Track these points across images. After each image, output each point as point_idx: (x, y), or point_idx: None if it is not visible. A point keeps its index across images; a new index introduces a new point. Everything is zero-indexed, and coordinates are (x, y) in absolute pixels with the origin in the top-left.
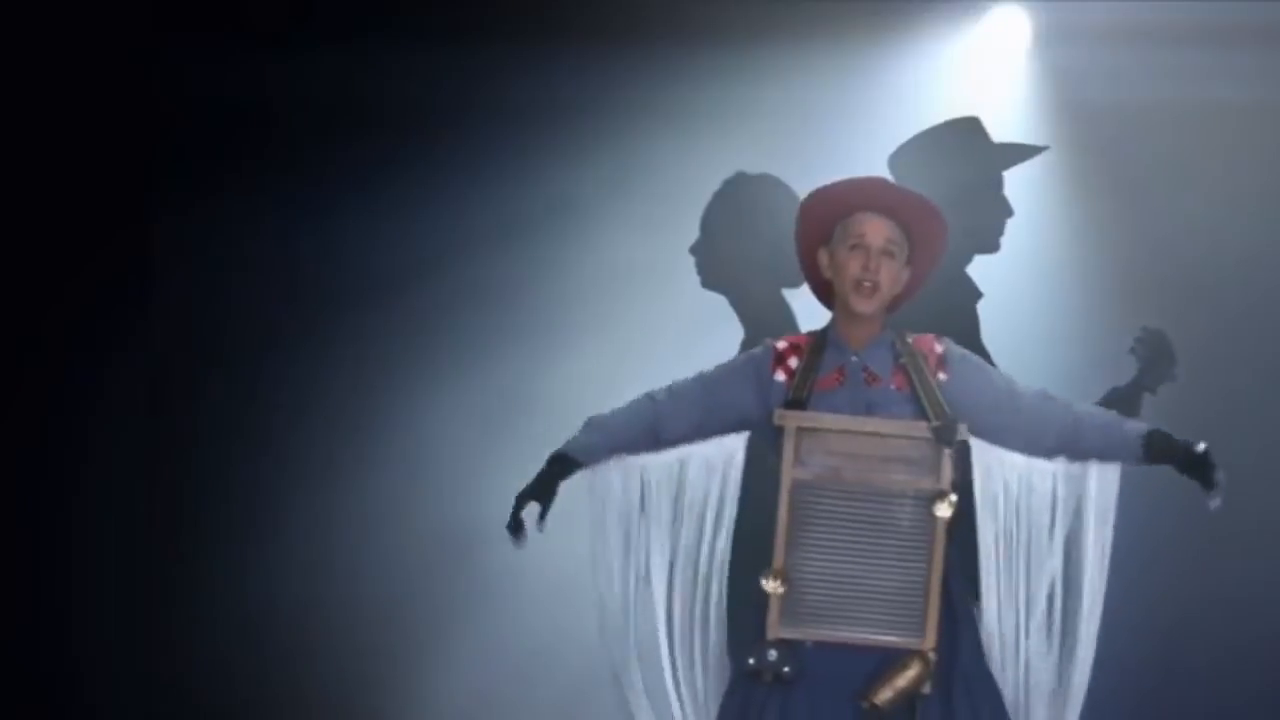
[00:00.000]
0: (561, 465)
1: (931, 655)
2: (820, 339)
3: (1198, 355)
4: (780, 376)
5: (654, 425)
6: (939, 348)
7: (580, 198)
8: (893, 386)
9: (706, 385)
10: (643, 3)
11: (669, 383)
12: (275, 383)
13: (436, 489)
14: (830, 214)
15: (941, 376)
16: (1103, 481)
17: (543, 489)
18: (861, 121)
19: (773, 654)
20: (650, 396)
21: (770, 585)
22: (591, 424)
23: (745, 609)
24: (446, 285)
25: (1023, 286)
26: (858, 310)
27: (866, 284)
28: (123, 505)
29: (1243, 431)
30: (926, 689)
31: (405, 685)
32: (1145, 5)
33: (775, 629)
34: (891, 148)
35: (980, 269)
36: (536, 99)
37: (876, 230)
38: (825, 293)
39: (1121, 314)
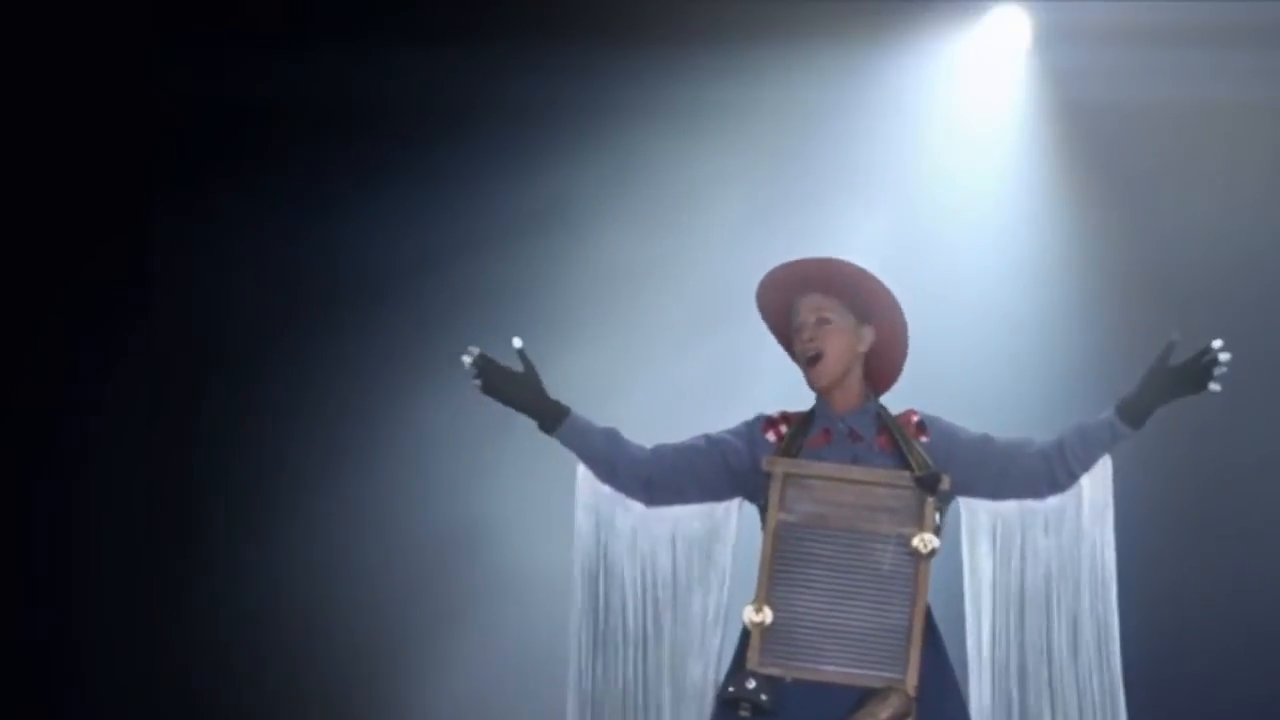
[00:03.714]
0: (554, 413)
1: (912, 693)
2: (808, 414)
3: None
4: (770, 437)
5: (650, 461)
6: (915, 417)
7: (580, 198)
8: (877, 446)
9: (708, 437)
10: (643, 3)
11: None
12: (275, 383)
13: (436, 489)
14: (777, 314)
15: (923, 440)
16: (1094, 491)
17: (532, 379)
18: (861, 121)
19: (752, 683)
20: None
21: (751, 619)
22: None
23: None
24: (446, 285)
25: (1022, 287)
26: (814, 384)
27: (810, 352)
28: (123, 505)
29: (1243, 431)
30: None
31: (405, 685)
32: (1145, 5)
33: (755, 661)
34: (891, 148)
35: (979, 270)
36: (536, 99)
37: (808, 307)
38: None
39: (1121, 314)
